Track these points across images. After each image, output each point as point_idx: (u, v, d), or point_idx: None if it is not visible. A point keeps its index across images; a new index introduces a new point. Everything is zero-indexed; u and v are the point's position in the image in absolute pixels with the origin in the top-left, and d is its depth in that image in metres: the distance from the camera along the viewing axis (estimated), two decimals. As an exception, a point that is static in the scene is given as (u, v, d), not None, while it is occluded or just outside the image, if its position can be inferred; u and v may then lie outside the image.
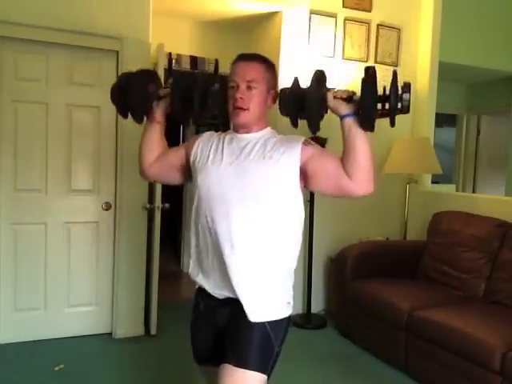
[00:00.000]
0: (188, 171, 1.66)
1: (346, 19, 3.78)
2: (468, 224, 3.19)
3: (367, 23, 3.86)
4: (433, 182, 4.33)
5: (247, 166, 1.48)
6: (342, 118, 1.42)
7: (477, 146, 6.10)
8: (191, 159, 1.62)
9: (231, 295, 1.49)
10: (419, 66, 4.08)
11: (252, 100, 1.51)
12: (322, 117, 1.43)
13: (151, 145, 1.71)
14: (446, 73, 4.24)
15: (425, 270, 3.35)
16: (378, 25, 3.89)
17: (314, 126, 1.41)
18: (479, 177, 6.08)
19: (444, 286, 3.16)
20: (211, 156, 1.55)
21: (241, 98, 1.50)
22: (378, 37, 3.91)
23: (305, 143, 1.49)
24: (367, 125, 1.39)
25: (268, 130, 1.58)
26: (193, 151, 1.62)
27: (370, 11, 3.86)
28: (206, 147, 1.59)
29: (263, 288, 1.48)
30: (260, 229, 1.45)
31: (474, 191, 5.95)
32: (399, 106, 1.33)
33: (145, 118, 1.69)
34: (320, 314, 3.79)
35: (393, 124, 1.37)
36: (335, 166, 1.45)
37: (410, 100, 1.34)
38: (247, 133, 1.55)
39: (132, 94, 1.58)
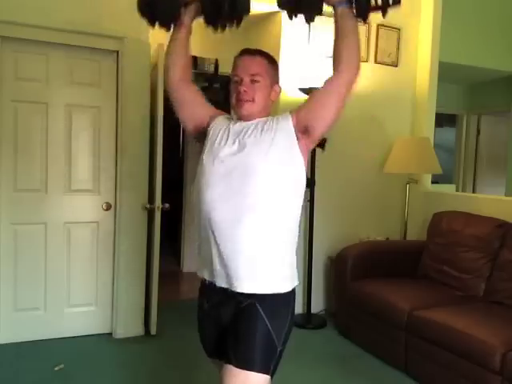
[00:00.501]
0: (199, 131, 1.69)
1: (346, 19, 3.77)
2: (468, 224, 3.19)
3: (367, 23, 3.85)
4: (433, 182, 4.33)
5: (246, 142, 1.51)
6: (335, 6, 1.50)
7: (477, 146, 6.09)
8: (208, 129, 1.64)
9: (232, 283, 1.49)
10: (419, 65, 4.08)
11: (256, 93, 1.55)
12: (317, 9, 1.52)
13: (178, 51, 1.72)
14: (446, 73, 4.24)
15: (425, 269, 3.35)
16: (378, 25, 3.89)
17: (310, 16, 1.52)
18: (479, 177, 6.08)
19: (444, 285, 3.16)
20: (219, 138, 1.58)
21: (245, 91, 1.54)
22: (378, 37, 3.91)
23: (291, 110, 1.56)
24: (360, 13, 1.50)
25: (268, 117, 1.62)
26: (212, 123, 1.65)
27: (369, 11, 3.86)
28: (218, 128, 1.62)
29: (265, 261, 1.49)
30: (262, 203, 1.46)
31: (474, 191, 5.95)
32: None
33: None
34: (320, 314, 3.79)
35: (384, 14, 1.51)
36: (322, 89, 1.51)
37: None
38: (249, 120, 1.58)
39: (159, 2, 1.61)
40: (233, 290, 1.49)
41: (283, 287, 1.52)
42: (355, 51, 1.50)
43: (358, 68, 1.49)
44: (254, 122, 1.57)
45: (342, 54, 1.48)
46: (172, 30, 1.71)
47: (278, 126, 1.52)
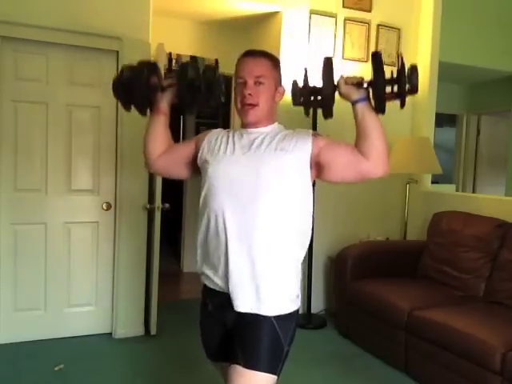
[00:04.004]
0: (195, 166, 1.66)
1: (345, 19, 3.78)
2: (468, 224, 3.19)
3: (367, 23, 3.86)
4: (433, 182, 4.33)
5: (259, 157, 1.49)
6: (353, 103, 1.47)
7: (477, 146, 6.10)
8: (199, 154, 1.61)
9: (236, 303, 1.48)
10: (419, 65, 4.06)
11: (261, 95, 1.52)
12: (334, 103, 1.50)
13: (157, 136, 1.68)
14: (446, 73, 4.24)
15: (425, 269, 3.35)
16: (378, 25, 3.90)
17: (329, 113, 1.50)
18: (479, 177, 6.08)
19: (444, 285, 3.16)
20: (222, 149, 1.55)
21: (249, 94, 1.51)
22: (378, 37, 3.91)
23: (314, 135, 1.53)
24: (379, 107, 1.45)
25: (276, 124, 1.60)
26: (202, 146, 1.62)
27: (369, 11, 3.86)
28: (216, 142, 1.59)
29: (273, 280, 1.48)
30: (271, 219, 1.45)
31: (474, 191, 5.95)
32: (408, 87, 1.42)
33: (148, 110, 1.68)
34: (320, 314, 3.79)
35: (403, 105, 1.46)
36: (350, 151, 1.48)
37: (417, 81, 1.43)
38: (256, 127, 1.55)
39: (135, 87, 1.58)
40: (237, 310, 1.48)
41: (289, 308, 1.50)
42: (381, 148, 1.44)
43: (384, 165, 1.45)
44: (265, 131, 1.54)
45: (369, 151, 1.43)
46: (149, 114, 1.68)
47: (295, 149, 1.48)
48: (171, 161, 1.71)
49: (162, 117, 1.67)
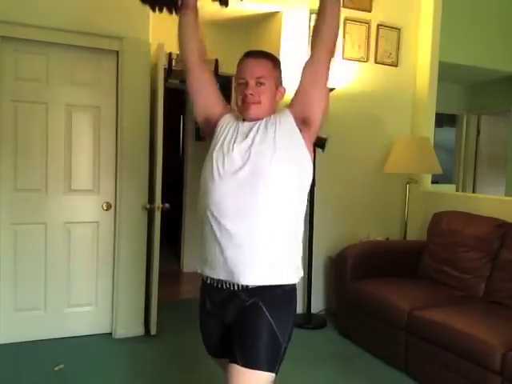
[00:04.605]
0: (207, 123, 1.72)
1: (345, 19, 3.77)
2: (468, 224, 3.19)
3: (367, 23, 3.86)
4: (433, 182, 4.33)
5: (254, 141, 1.54)
6: None
7: (477, 146, 6.09)
8: (216, 127, 1.67)
9: (238, 279, 1.50)
10: (419, 65, 4.08)
11: (262, 95, 1.58)
12: None
13: (190, 35, 1.71)
14: (446, 73, 4.24)
15: (425, 269, 3.35)
16: (378, 25, 3.89)
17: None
18: (479, 177, 6.08)
19: (444, 285, 3.16)
20: (229, 136, 1.60)
21: (251, 94, 1.57)
22: (378, 37, 3.91)
23: (287, 106, 1.62)
24: None
25: (271, 115, 1.64)
26: (220, 121, 1.67)
27: (370, 11, 3.86)
28: (226, 126, 1.65)
29: (272, 255, 1.50)
30: (269, 199, 1.48)
31: (474, 191, 5.94)
32: None
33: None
34: (320, 314, 3.79)
35: None
36: (305, 73, 1.58)
37: None
38: (255, 121, 1.61)
39: None
40: (241, 283, 1.49)
41: (291, 278, 1.55)
42: (336, 32, 1.59)
43: (335, 46, 1.58)
44: (260, 121, 1.60)
45: (326, 30, 1.59)
46: (178, 14, 1.72)
47: (280, 122, 1.56)
48: (203, 85, 1.72)
49: (191, 12, 1.70)
